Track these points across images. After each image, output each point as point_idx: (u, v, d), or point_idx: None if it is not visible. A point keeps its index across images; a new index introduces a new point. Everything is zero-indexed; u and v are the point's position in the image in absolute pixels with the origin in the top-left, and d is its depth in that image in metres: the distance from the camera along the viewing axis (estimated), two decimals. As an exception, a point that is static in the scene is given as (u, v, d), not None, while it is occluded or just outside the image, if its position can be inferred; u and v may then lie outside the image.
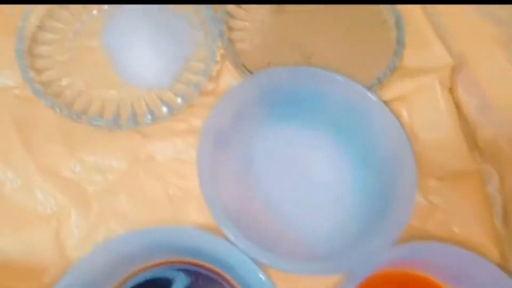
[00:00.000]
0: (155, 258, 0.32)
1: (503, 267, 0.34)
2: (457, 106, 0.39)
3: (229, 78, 0.40)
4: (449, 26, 0.39)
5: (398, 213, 0.31)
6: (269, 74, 0.35)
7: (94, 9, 0.42)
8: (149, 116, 0.36)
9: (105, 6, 0.42)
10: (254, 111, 0.36)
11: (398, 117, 0.38)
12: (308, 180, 0.36)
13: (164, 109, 0.37)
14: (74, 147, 0.36)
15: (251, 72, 0.39)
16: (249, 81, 0.35)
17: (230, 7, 0.42)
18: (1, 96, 0.37)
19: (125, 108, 0.38)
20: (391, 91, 0.39)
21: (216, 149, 0.33)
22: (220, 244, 0.29)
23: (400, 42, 0.41)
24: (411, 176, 0.33)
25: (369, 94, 0.36)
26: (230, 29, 0.42)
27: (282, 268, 0.30)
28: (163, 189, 0.35)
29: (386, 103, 0.39)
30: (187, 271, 0.33)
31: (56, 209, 0.34)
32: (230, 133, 0.34)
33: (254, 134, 0.36)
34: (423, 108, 0.38)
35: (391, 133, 0.35)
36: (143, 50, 0.39)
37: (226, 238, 0.31)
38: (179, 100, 0.37)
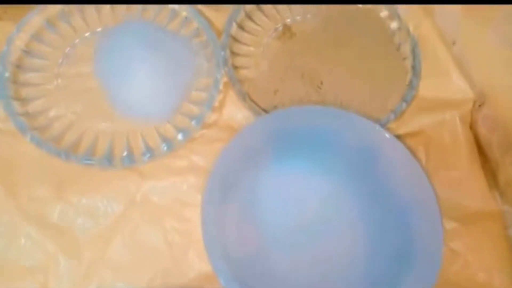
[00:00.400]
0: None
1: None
2: (478, 143, 0.36)
3: (233, 108, 0.37)
4: (469, 56, 0.37)
5: (424, 268, 0.28)
6: (280, 116, 0.32)
7: (86, 31, 0.38)
8: (147, 154, 0.33)
9: (98, 29, 0.39)
10: (264, 154, 0.33)
11: (414, 152, 0.35)
12: (318, 226, 0.33)
13: (163, 145, 0.34)
14: (63, 188, 0.33)
15: (256, 103, 0.37)
16: (259, 123, 0.33)
17: (234, 31, 0.39)
18: (-19, 130, 0.34)
19: (120, 143, 0.35)
20: (407, 124, 0.37)
21: (222, 196, 0.30)
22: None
23: (416, 71, 0.38)
24: (435, 225, 0.30)
25: (385, 134, 0.33)
26: (234, 54, 0.38)
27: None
28: (162, 234, 0.32)
29: (401, 137, 0.36)
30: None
31: (43, 260, 0.31)
32: (237, 178, 0.31)
33: (263, 178, 0.33)
34: (441, 144, 0.36)
35: (410, 174, 0.32)
36: (140, 77, 0.36)
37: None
38: (179, 136, 0.34)
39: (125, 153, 0.34)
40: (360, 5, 0.43)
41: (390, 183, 0.33)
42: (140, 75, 0.36)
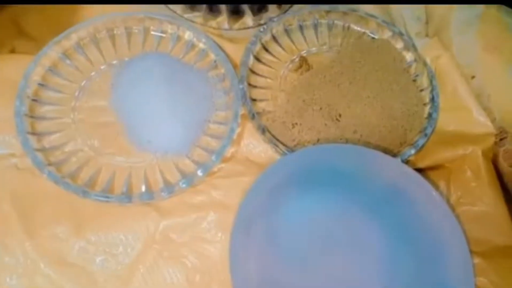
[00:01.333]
0: None
1: None
2: (500, 177, 0.37)
3: (251, 141, 0.39)
4: (489, 91, 0.38)
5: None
6: (303, 154, 0.34)
7: (102, 64, 0.40)
8: (165, 190, 0.34)
9: (114, 61, 0.40)
10: (287, 192, 0.34)
11: (435, 187, 0.36)
12: (341, 263, 0.34)
13: (182, 182, 0.34)
14: (81, 225, 0.33)
15: (274, 136, 0.38)
16: (282, 162, 0.34)
17: (251, 63, 0.41)
18: (-3, 166, 0.34)
19: (138, 178, 0.35)
20: (428, 158, 0.38)
21: (247, 232, 0.31)
22: None
23: (435, 104, 0.40)
24: (465, 261, 0.31)
25: (408, 170, 0.34)
26: (252, 87, 0.40)
27: None
28: (182, 273, 0.33)
29: (421, 171, 0.37)
30: None
31: (61, 300, 0.31)
32: (262, 214, 0.32)
33: (286, 214, 0.34)
34: (463, 178, 0.37)
35: (434, 210, 0.34)
36: (157, 111, 0.37)
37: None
38: (199, 172, 0.35)
39: (143, 189, 0.35)
40: (375, 37, 0.45)
41: (414, 219, 0.34)
42: (157, 109, 0.37)
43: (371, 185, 0.34)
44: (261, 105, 0.40)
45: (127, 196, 0.34)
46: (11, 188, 0.34)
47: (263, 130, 0.38)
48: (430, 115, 0.39)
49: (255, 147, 0.39)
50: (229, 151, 0.38)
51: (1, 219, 0.33)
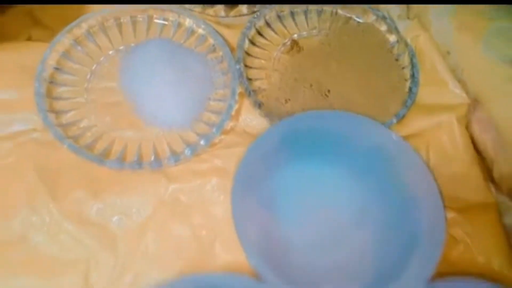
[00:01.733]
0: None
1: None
2: (474, 142, 0.44)
3: (248, 115, 0.45)
4: (463, 65, 0.44)
5: (428, 249, 0.35)
6: (292, 121, 0.40)
7: (111, 49, 0.46)
8: (172, 158, 0.40)
9: (121, 47, 0.46)
10: (279, 156, 0.40)
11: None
12: (330, 219, 0.40)
13: (187, 150, 0.41)
14: (98, 190, 0.39)
15: (269, 111, 0.44)
16: (274, 129, 0.40)
17: (246, 46, 0.47)
18: (21, 140, 0.40)
19: (147, 149, 0.41)
20: (408, 127, 0.44)
21: (245, 193, 0.37)
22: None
23: (415, 80, 0.46)
24: (438, 213, 0.37)
25: (392, 134, 0.41)
26: (247, 67, 0.46)
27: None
28: (190, 229, 0.39)
29: (403, 138, 0.44)
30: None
31: (83, 253, 0.37)
32: (257, 177, 0.39)
33: (278, 177, 0.40)
34: (440, 144, 0.43)
35: (415, 170, 0.40)
36: (161, 90, 0.43)
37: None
38: (202, 142, 0.41)
39: (152, 158, 0.41)
40: (361, 21, 0.51)
41: (396, 178, 0.40)
42: (161, 88, 0.43)
43: (357, 148, 0.40)
44: (256, 84, 0.46)
45: (138, 163, 0.40)
46: (34, 159, 0.40)
47: (259, 105, 0.44)
48: (410, 89, 0.46)
49: (251, 120, 0.45)
50: (229, 124, 0.44)
51: (28, 186, 0.38)
